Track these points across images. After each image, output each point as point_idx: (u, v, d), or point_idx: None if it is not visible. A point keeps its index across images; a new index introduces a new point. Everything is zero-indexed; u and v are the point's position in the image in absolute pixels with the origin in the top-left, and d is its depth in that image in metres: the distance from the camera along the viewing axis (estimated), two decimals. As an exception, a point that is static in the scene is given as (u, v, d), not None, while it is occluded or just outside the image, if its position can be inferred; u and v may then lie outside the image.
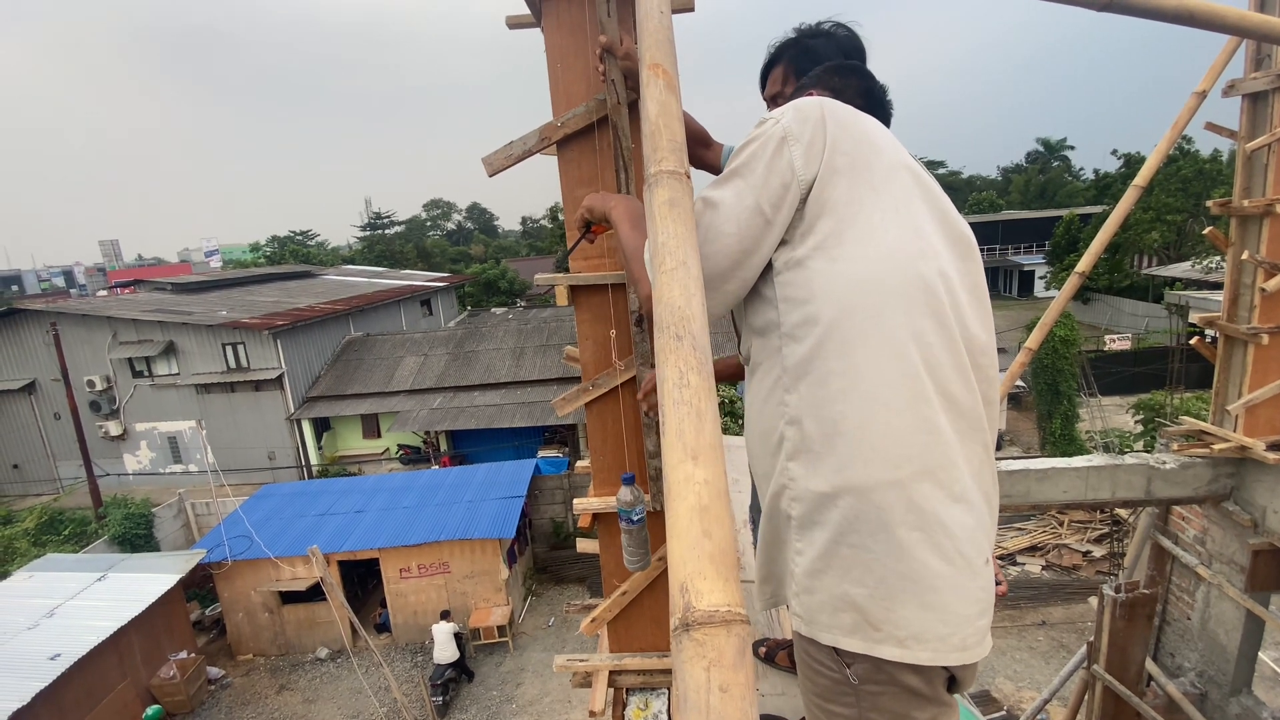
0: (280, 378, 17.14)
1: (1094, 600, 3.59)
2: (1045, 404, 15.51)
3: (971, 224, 1.09)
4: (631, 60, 1.65)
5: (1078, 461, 3.37)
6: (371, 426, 18.43)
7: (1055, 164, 53.02)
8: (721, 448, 0.54)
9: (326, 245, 55.18)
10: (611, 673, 2.24)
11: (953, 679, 1.00)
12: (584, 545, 2.55)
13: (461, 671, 10.13)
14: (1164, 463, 3.31)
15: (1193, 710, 3.39)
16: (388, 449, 18.20)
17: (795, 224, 0.97)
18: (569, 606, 2.47)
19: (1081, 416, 15.74)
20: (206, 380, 17.34)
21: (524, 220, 67.06)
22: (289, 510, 12.20)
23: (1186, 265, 23.88)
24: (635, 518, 1.63)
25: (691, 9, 1.81)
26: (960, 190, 53.72)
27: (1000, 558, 11.45)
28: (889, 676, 0.96)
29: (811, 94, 1.12)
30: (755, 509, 2.17)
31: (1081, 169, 53.27)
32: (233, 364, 17.42)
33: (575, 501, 2.14)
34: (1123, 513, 11.05)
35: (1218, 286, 18.36)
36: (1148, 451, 4.25)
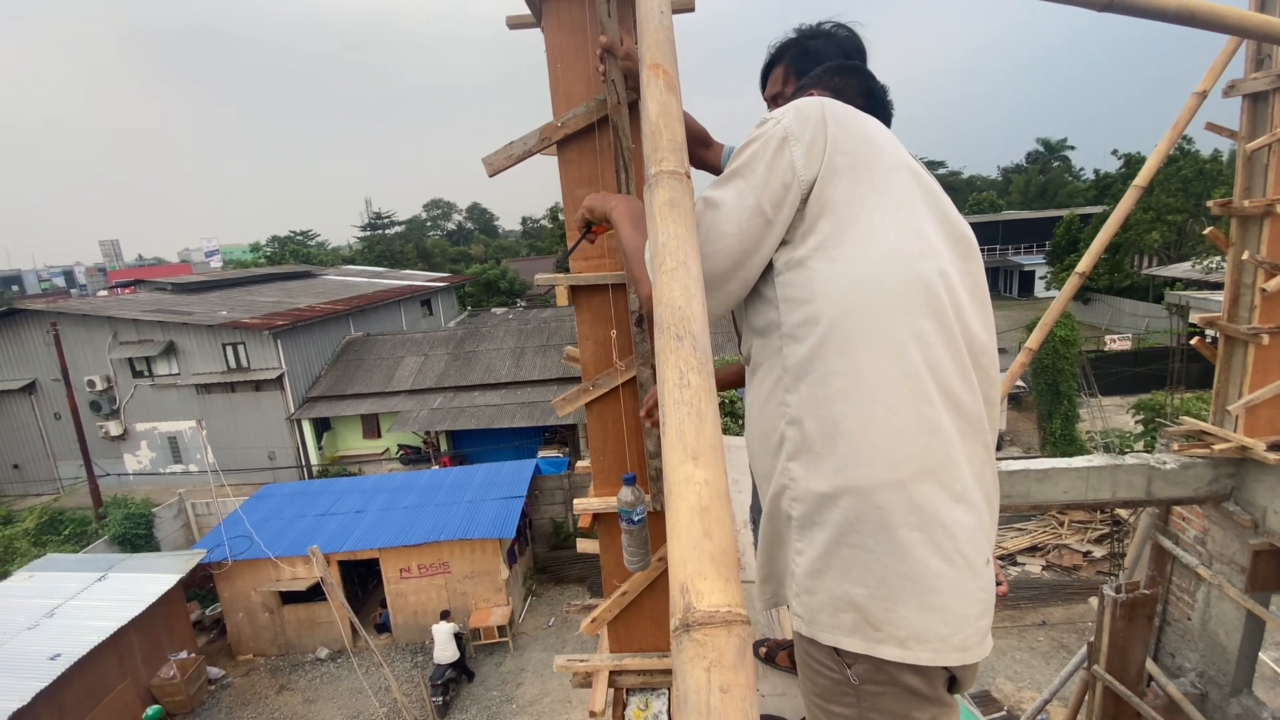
0: (280, 378, 17.14)
1: (1094, 600, 3.59)
2: (1045, 404, 15.50)
3: (972, 224, 1.08)
4: (632, 60, 1.65)
5: (1078, 462, 3.37)
6: (372, 426, 18.43)
7: (1055, 164, 53.02)
8: (722, 448, 0.54)
9: (327, 245, 55.21)
10: (612, 673, 2.24)
11: (953, 679, 1.00)
12: (584, 545, 2.55)
13: (462, 672, 10.13)
14: (1164, 463, 3.31)
15: (1193, 711, 3.38)
16: (388, 449, 18.20)
17: (796, 224, 0.96)
18: (569, 607, 2.47)
19: (1082, 417, 15.74)
20: (207, 380, 17.35)
21: (524, 220, 67.08)
22: (289, 510, 12.20)
23: (1187, 265, 23.86)
24: (636, 518, 1.63)
25: (692, 9, 1.81)
26: (960, 190, 53.71)
27: (1001, 558, 11.45)
28: (889, 677, 0.96)
29: (812, 94, 1.12)
30: (756, 509, 2.17)
31: (1082, 169, 53.32)
32: (233, 364, 17.42)
33: (575, 501, 2.14)
34: (1123, 513, 11.04)
35: (1218, 287, 18.36)
36: (1148, 452, 4.25)
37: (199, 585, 11.94)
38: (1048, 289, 33.82)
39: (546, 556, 13.27)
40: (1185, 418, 3.72)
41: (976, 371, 0.98)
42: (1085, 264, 3.49)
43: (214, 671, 10.74)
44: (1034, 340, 3.60)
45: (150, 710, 9.44)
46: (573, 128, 1.82)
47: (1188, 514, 3.63)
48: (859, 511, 0.92)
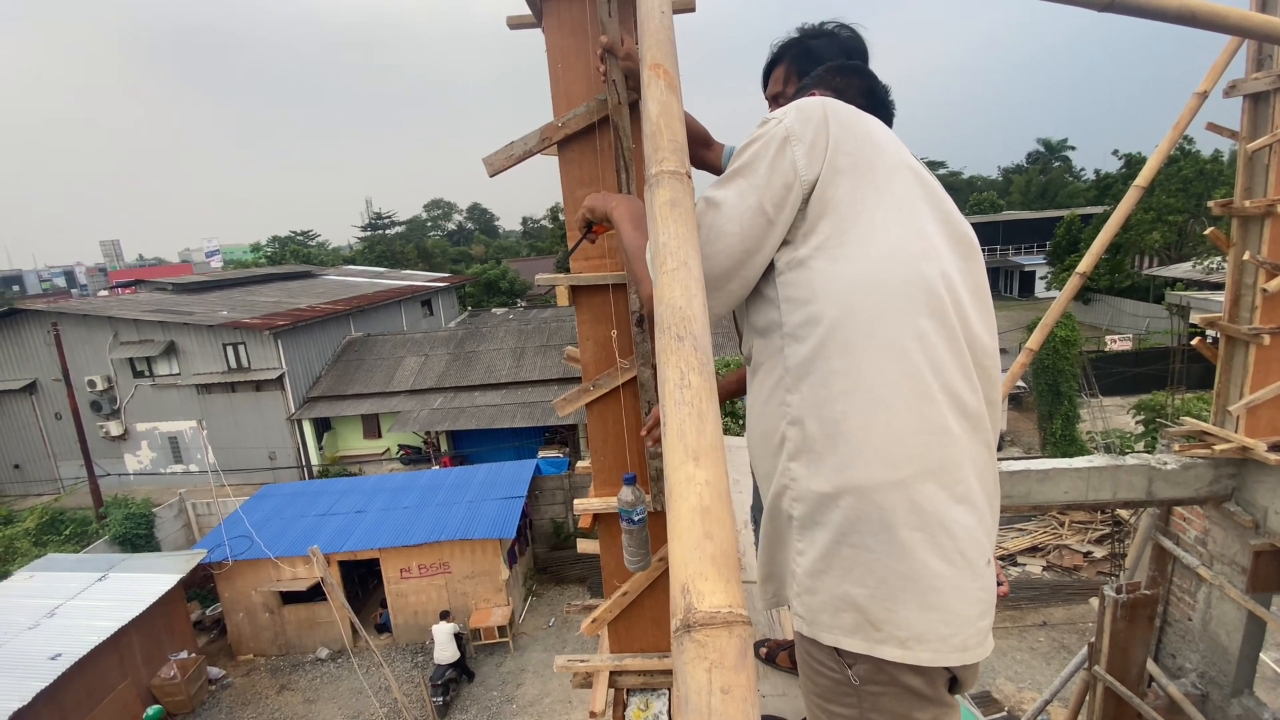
0: (281, 378, 17.15)
1: (1095, 601, 3.59)
2: (1046, 404, 15.49)
3: (972, 224, 1.09)
4: (632, 60, 1.64)
5: (1079, 462, 3.37)
6: (372, 427, 18.44)
7: (1056, 164, 53.01)
8: (723, 448, 0.54)
9: (327, 245, 55.21)
10: (612, 673, 2.24)
11: (954, 679, 1.00)
12: (584, 545, 2.54)
13: (462, 672, 10.13)
14: (1165, 463, 3.31)
15: (1194, 711, 3.38)
16: (388, 449, 18.20)
17: (797, 224, 0.96)
18: (569, 607, 2.46)
19: (1082, 417, 15.72)
20: (207, 380, 17.36)
21: (525, 220, 67.05)
22: (289, 510, 12.20)
23: (1187, 266, 23.86)
24: (636, 518, 1.62)
25: (692, 9, 1.81)
26: (961, 190, 53.69)
27: (1001, 558, 11.44)
28: (890, 677, 0.96)
29: (813, 94, 1.12)
30: (757, 509, 2.17)
31: (1082, 169, 53.32)
32: (233, 364, 17.43)
33: (576, 502, 2.14)
34: (1124, 513, 11.04)
35: (1219, 287, 18.36)
36: (1149, 452, 4.25)
37: (199, 585, 11.94)
38: (1048, 289, 33.82)
39: (547, 557, 13.26)
40: (1186, 418, 3.71)
41: (978, 371, 0.98)
42: (1086, 264, 3.48)
43: (214, 671, 10.74)
44: (1035, 340, 3.60)
45: (150, 710, 9.44)
46: (573, 128, 1.82)
47: (1189, 514, 3.63)
48: (860, 512, 0.92)
